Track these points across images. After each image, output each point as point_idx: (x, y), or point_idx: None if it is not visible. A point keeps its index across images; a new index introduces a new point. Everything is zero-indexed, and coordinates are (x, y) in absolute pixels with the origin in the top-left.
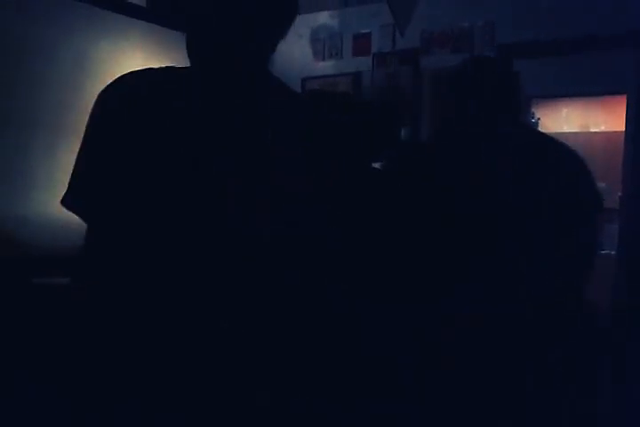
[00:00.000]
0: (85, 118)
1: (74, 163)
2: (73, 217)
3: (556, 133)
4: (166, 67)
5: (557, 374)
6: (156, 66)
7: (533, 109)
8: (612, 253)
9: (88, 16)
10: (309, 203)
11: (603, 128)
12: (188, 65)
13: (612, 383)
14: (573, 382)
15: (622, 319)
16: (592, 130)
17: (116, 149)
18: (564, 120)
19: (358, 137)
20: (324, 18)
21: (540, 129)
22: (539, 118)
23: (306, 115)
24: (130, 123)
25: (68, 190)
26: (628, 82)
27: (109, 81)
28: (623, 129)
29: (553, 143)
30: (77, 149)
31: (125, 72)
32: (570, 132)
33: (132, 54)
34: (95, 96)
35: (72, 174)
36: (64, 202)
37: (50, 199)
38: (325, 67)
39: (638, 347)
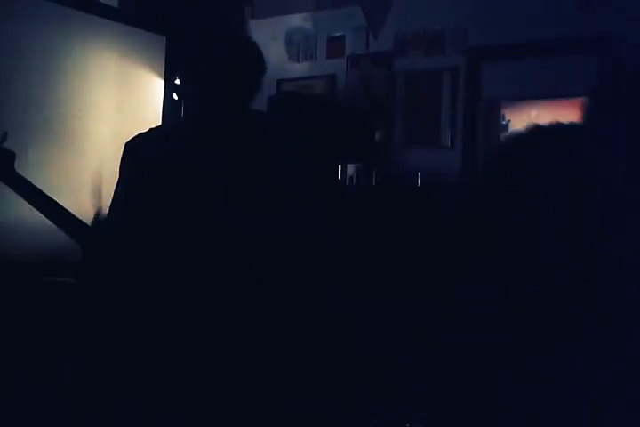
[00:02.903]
0: (55, 119)
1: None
2: (40, 221)
3: None
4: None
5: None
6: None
7: (503, 111)
8: None
9: (58, 16)
10: (298, 206)
11: None
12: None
13: None
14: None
15: None
16: None
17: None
18: (533, 121)
19: (332, 139)
20: (298, 20)
21: (509, 130)
22: (509, 120)
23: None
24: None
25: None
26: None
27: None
28: None
29: None
30: (46, 149)
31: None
32: None
33: (105, 55)
34: (65, 95)
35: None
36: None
37: (18, 200)
38: (300, 69)
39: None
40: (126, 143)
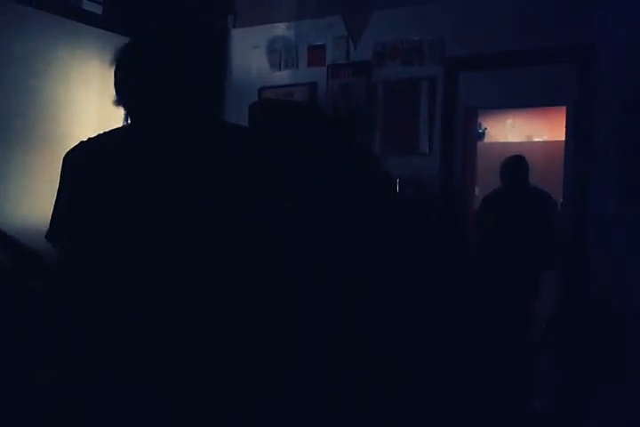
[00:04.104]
0: (38, 124)
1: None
2: None
3: (502, 143)
4: (111, 129)
5: None
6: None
7: (480, 120)
8: None
9: (42, 22)
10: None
11: (545, 138)
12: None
13: None
14: None
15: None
16: (535, 139)
17: (82, 195)
18: (509, 130)
19: (313, 147)
20: (279, 29)
21: (486, 138)
22: (485, 128)
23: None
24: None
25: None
26: (568, 94)
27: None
28: (564, 139)
29: None
30: (28, 155)
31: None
32: (514, 142)
33: (88, 61)
34: (49, 100)
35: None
36: (47, 237)
37: (2, 204)
38: (282, 77)
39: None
40: (67, 152)
